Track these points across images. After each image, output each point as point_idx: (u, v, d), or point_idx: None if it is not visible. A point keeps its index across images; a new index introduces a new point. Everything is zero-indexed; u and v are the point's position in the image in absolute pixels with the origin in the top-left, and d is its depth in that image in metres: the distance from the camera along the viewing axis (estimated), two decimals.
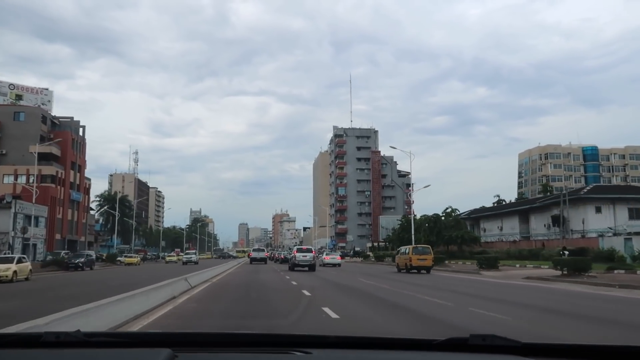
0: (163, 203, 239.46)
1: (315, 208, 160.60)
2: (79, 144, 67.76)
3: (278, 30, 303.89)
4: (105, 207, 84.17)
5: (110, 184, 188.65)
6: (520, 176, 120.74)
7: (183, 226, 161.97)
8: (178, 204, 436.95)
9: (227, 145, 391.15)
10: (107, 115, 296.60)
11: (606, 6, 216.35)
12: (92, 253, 51.21)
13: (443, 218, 58.87)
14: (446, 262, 41.63)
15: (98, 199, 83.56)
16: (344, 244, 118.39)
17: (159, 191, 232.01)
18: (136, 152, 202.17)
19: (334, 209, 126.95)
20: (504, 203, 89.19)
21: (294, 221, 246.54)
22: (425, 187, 46.76)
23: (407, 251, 34.41)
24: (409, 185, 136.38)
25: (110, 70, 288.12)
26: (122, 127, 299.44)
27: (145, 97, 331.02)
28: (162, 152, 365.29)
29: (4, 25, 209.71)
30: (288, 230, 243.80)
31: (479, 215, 74.24)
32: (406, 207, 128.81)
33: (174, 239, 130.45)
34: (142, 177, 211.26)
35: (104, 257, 54.42)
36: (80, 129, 68.70)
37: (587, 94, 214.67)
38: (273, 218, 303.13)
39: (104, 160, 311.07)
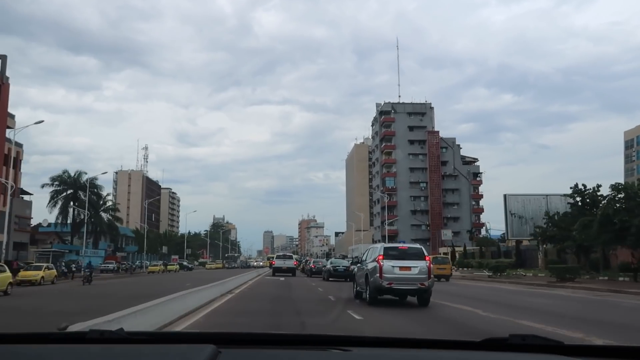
0: (178, 206, 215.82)
1: (348, 211, 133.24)
2: None
3: (301, 39, 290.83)
4: (64, 195, 58.40)
5: (116, 182, 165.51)
6: (628, 160, 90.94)
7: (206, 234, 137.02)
8: (203, 213, 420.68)
9: (251, 154, 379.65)
10: (133, 125, 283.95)
11: (636, 9, 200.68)
12: None
13: None
14: None
15: (51, 182, 57.51)
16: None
17: (174, 192, 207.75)
18: (145, 148, 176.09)
19: (379, 205, 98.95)
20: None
21: (322, 227, 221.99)
22: None
23: None
24: (476, 174, 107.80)
25: (136, 81, 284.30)
26: (148, 138, 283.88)
27: (171, 107, 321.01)
28: (187, 162, 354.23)
29: (32, 39, 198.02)
30: (316, 237, 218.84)
31: None
32: (473, 202, 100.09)
33: (178, 244, 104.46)
34: (166, 185, 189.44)
35: None
36: None
37: (617, 100, 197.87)
38: (299, 224, 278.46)
39: None
